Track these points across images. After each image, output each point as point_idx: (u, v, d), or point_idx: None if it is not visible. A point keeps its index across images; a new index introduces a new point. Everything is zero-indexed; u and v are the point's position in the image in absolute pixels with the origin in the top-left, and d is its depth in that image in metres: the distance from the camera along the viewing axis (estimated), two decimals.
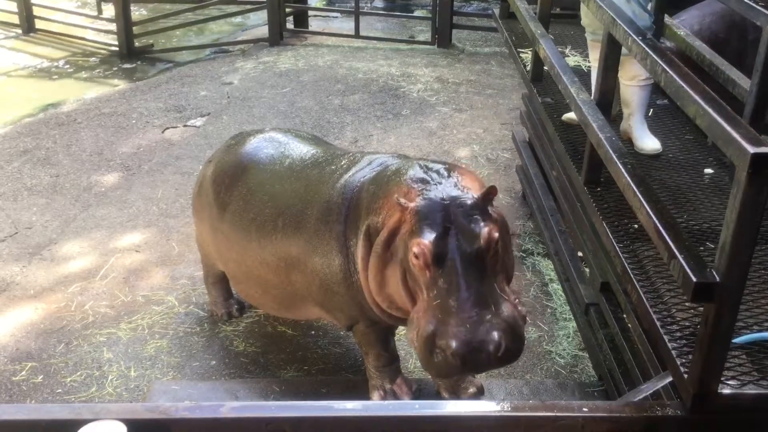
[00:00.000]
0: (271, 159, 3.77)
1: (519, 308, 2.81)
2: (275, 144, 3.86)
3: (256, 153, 3.84)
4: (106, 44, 10.56)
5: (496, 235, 2.80)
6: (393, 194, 2.96)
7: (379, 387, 3.57)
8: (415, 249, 2.74)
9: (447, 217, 2.78)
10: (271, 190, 3.61)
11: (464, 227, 2.76)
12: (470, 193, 2.88)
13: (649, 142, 4.00)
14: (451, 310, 2.66)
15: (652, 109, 4.56)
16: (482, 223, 2.79)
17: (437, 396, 3.63)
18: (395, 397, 3.53)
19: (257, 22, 11.90)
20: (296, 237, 3.40)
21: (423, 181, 2.93)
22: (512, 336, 2.68)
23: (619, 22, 3.30)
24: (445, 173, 2.97)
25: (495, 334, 2.62)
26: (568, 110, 4.34)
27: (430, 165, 3.04)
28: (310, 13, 11.69)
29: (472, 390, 3.62)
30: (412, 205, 2.83)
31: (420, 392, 3.63)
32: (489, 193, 2.87)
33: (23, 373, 4.00)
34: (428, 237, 2.74)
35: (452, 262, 2.72)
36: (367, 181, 3.23)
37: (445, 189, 2.88)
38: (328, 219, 3.28)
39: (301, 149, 3.78)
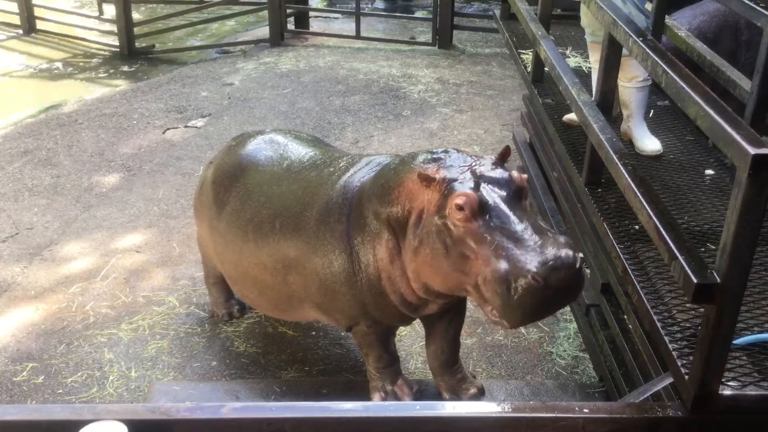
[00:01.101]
0: (269, 161, 3.78)
1: None
2: (274, 146, 3.88)
3: (255, 154, 3.85)
4: (107, 45, 10.56)
5: (525, 176, 2.85)
6: (408, 181, 2.98)
7: (380, 388, 3.57)
8: (459, 200, 2.71)
9: (474, 174, 2.82)
10: (269, 191, 3.62)
11: (494, 178, 2.81)
12: (485, 156, 2.94)
13: (649, 143, 4.00)
14: (514, 243, 2.63)
15: (652, 110, 4.56)
16: (507, 171, 2.86)
17: (438, 397, 3.63)
18: (396, 398, 3.53)
19: (258, 23, 11.92)
20: (295, 239, 3.41)
21: (435, 160, 2.97)
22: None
23: (619, 22, 3.30)
24: (452, 150, 3.03)
25: (568, 250, 2.58)
26: (569, 111, 4.34)
27: (433, 151, 3.08)
28: (311, 13, 11.70)
29: (473, 391, 3.62)
30: (438, 175, 2.85)
31: (421, 393, 3.63)
32: (505, 153, 2.94)
33: (24, 373, 4.00)
34: (467, 187, 2.76)
35: (498, 204, 2.73)
36: (367, 181, 3.25)
37: (459, 159, 2.93)
38: (329, 220, 3.28)
39: (299, 151, 3.79)
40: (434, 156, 3.00)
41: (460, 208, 2.71)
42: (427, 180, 2.85)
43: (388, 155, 3.47)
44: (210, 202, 3.93)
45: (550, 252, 2.55)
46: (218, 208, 3.84)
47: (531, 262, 2.54)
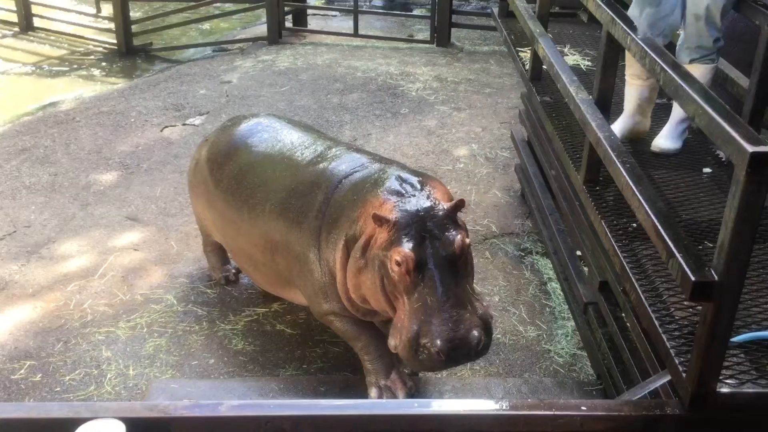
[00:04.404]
0: (263, 141, 4.00)
1: (488, 307, 3.09)
2: (268, 128, 4.09)
3: (249, 135, 4.08)
4: (104, 43, 10.55)
5: (468, 241, 3.05)
6: (370, 205, 3.18)
7: (375, 383, 3.62)
8: (397, 257, 2.94)
9: (422, 227, 3.00)
10: (263, 174, 3.82)
11: (439, 236, 2.99)
12: (441, 204, 3.10)
13: (663, 141, 3.97)
14: (433, 310, 2.88)
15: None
16: (454, 231, 3.01)
17: (436, 395, 3.63)
18: (391, 393, 3.57)
19: (256, 21, 11.90)
20: (280, 223, 3.62)
21: (398, 193, 3.15)
22: (487, 331, 2.94)
23: (618, 21, 3.30)
24: (419, 186, 3.19)
25: (475, 331, 2.87)
26: (567, 109, 4.33)
27: (406, 177, 3.26)
28: (309, 11, 11.68)
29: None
30: (390, 217, 3.02)
31: (416, 389, 3.63)
32: (458, 205, 3.10)
33: (22, 371, 4.00)
34: (408, 246, 2.95)
35: (431, 268, 2.93)
36: (347, 184, 3.44)
37: (419, 201, 3.09)
38: (309, 214, 3.49)
39: (292, 136, 3.99)
40: (401, 188, 3.17)
41: (397, 263, 2.94)
42: (380, 221, 3.03)
43: (372, 158, 3.63)
44: (205, 178, 4.15)
45: (459, 332, 2.85)
46: (214, 185, 4.06)
47: (439, 336, 2.84)
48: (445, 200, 3.17)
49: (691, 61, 3.84)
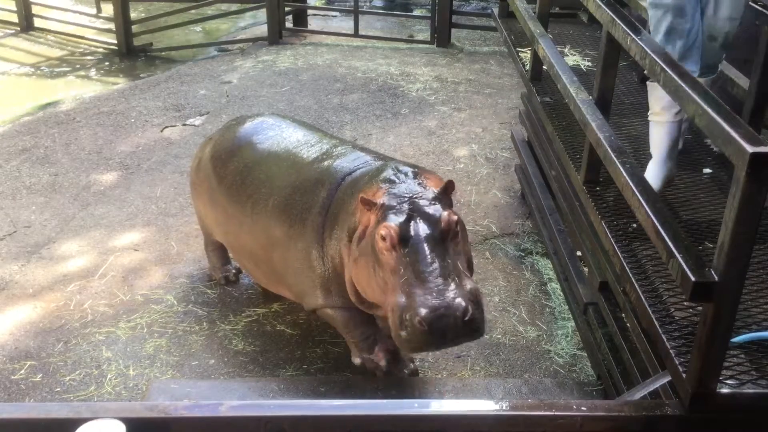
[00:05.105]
0: (268, 139, 4.04)
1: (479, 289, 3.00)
2: (273, 126, 4.14)
3: (253, 133, 4.13)
4: (104, 43, 10.55)
5: (455, 217, 3.03)
6: (365, 194, 3.22)
7: (358, 355, 3.75)
8: (382, 231, 2.96)
9: (409, 206, 3.04)
10: (267, 170, 3.87)
11: (426, 213, 3.01)
12: (431, 188, 3.15)
13: (649, 171, 3.68)
14: (417, 282, 2.84)
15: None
16: (441, 208, 3.04)
17: (436, 395, 3.64)
18: (374, 364, 3.69)
19: (256, 21, 11.91)
20: (282, 219, 3.66)
21: (390, 180, 3.21)
22: (476, 305, 2.84)
23: (618, 21, 3.30)
24: (411, 174, 3.25)
25: (460, 300, 2.78)
26: (567, 110, 4.33)
27: (401, 167, 3.32)
28: (310, 11, 11.69)
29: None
30: (378, 200, 3.09)
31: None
32: (447, 187, 3.14)
33: (22, 371, 4.00)
34: (394, 221, 2.98)
35: (416, 242, 2.93)
36: (350, 181, 3.49)
37: (409, 186, 3.15)
38: (312, 210, 3.53)
39: (297, 134, 4.04)
40: (394, 176, 3.22)
41: (382, 238, 2.95)
42: (368, 204, 3.09)
43: (375, 156, 3.70)
44: (208, 176, 4.18)
45: (444, 300, 2.77)
46: (217, 182, 4.09)
47: (423, 305, 2.76)
48: (437, 187, 3.21)
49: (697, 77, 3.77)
